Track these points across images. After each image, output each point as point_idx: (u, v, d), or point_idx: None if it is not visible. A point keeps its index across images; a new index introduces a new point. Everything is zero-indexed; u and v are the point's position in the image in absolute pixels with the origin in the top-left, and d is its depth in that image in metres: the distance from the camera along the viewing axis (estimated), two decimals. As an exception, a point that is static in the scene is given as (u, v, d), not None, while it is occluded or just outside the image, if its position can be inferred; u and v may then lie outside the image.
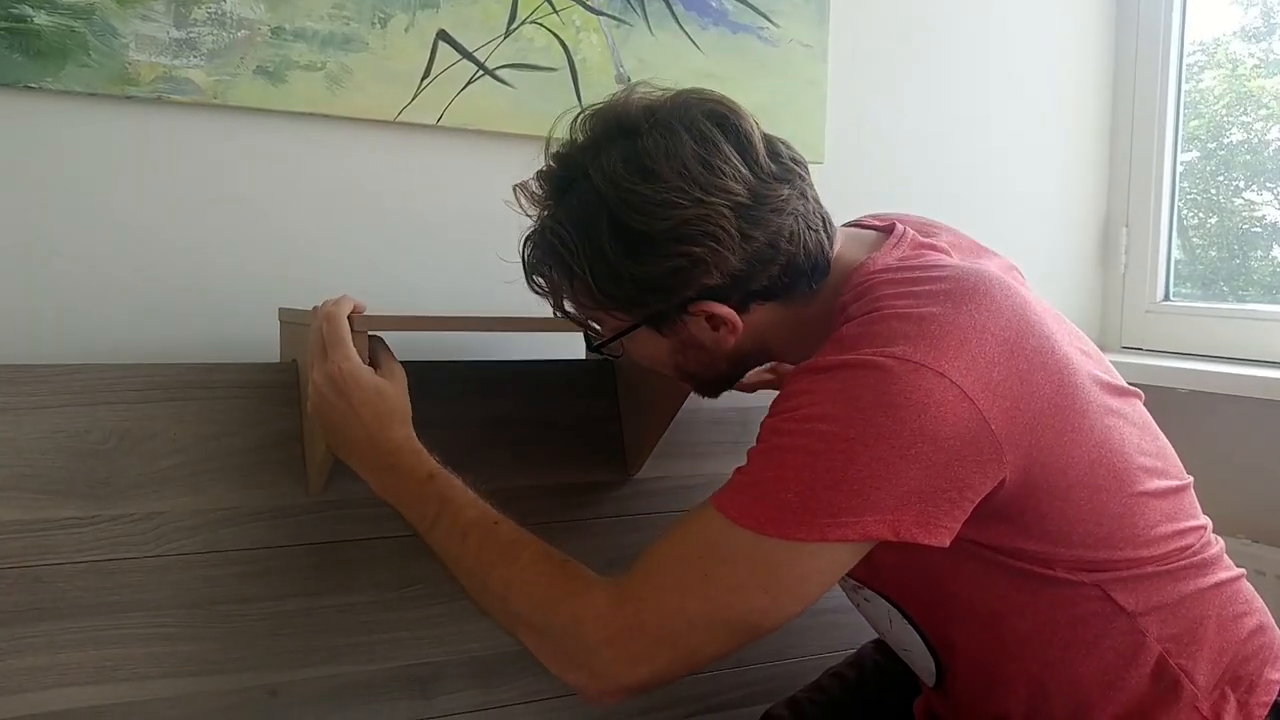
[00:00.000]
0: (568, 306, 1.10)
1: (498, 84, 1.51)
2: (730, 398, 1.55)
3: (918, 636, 1.15)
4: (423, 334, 1.37)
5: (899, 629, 1.18)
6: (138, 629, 1.21)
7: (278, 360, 1.34)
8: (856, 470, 0.93)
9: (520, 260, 1.10)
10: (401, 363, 1.32)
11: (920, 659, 1.18)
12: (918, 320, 0.97)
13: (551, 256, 1.06)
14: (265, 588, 1.26)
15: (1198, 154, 2.20)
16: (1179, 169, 2.13)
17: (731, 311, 1.05)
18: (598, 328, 1.12)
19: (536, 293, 1.10)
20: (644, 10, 1.60)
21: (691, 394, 1.29)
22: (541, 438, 1.42)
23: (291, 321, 1.31)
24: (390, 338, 1.21)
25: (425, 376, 1.35)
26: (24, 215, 1.30)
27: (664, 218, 1.00)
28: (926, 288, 1.01)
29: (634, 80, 1.19)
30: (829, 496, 0.94)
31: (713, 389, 1.18)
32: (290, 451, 1.29)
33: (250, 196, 1.41)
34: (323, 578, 1.29)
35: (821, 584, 0.98)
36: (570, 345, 1.55)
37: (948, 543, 0.96)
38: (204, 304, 1.38)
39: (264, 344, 1.37)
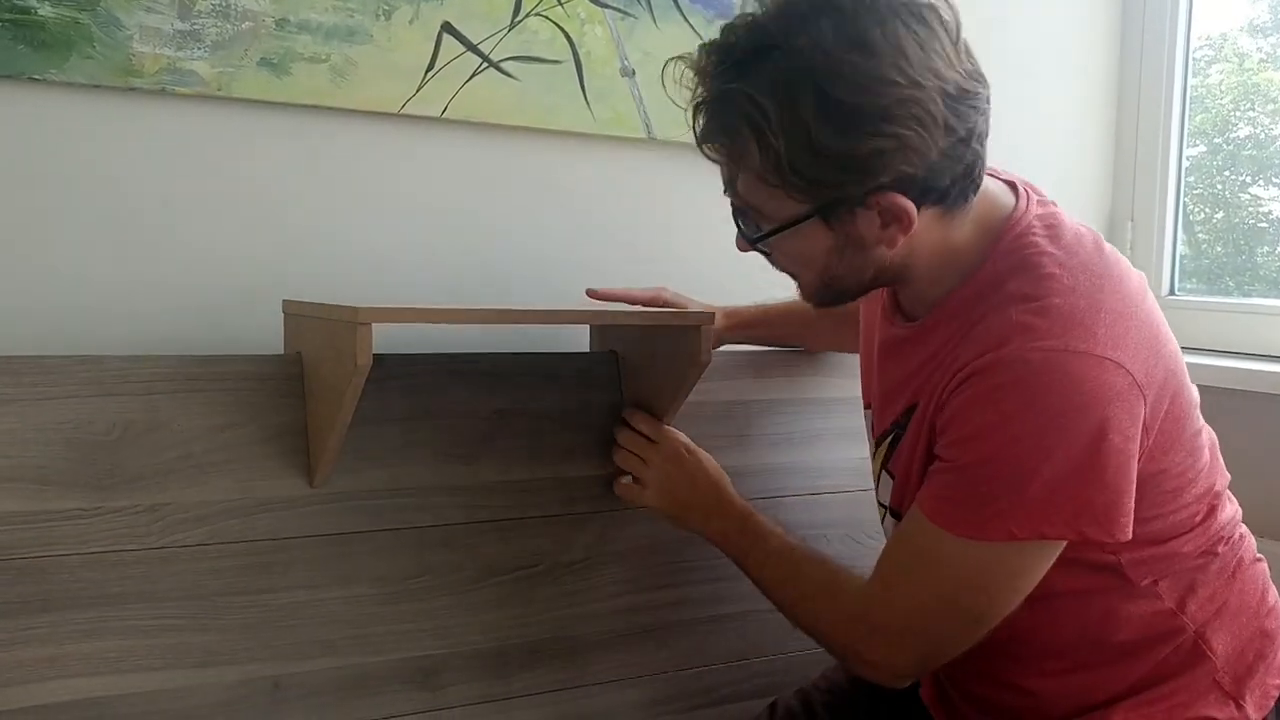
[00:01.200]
0: (741, 184, 1.06)
1: (502, 76, 1.51)
2: (734, 390, 1.55)
3: None
4: (425, 326, 1.37)
5: None
6: (141, 621, 1.21)
7: (282, 353, 1.34)
8: (1052, 470, 1.00)
9: (691, 129, 1.06)
10: (400, 355, 1.33)
11: None
12: (1087, 309, 1.03)
13: (745, 125, 1.00)
14: (269, 579, 1.26)
15: (1204, 149, 2.19)
16: (1185, 163, 2.13)
17: (912, 206, 1.02)
18: (750, 219, 1.09)
19: (711, 159, 1.07)
20: (649, 2, 1.60)
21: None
22: (544, 430, 1.42)
23: (296, 314, 1.31)
24: (392, 330, 1.21)
25: (426, 369, 1.35)
26: (27, 207, 1.29)
27: (877, 94, 0.97)
28: (1079, 259, 1.07)
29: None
30: (1034, 497, 1.01)
31: (836, 299, 1.15)
32: (294, 444, 1.29)
33: (254, 189, 1.41)
34: (326, 570, 1.29)
35: (1034, 577, 1.07)
36: (574, 339, 1.54)
37: (1129, 536, 1.05)
38: (208, 296, 1.38)
39: (268, 336, 1.36)
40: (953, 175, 1.04)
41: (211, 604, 1.24)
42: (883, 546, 1.19)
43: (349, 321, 1.15)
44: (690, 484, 1.35)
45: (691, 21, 1.63)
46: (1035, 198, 1.14)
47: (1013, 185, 1.16)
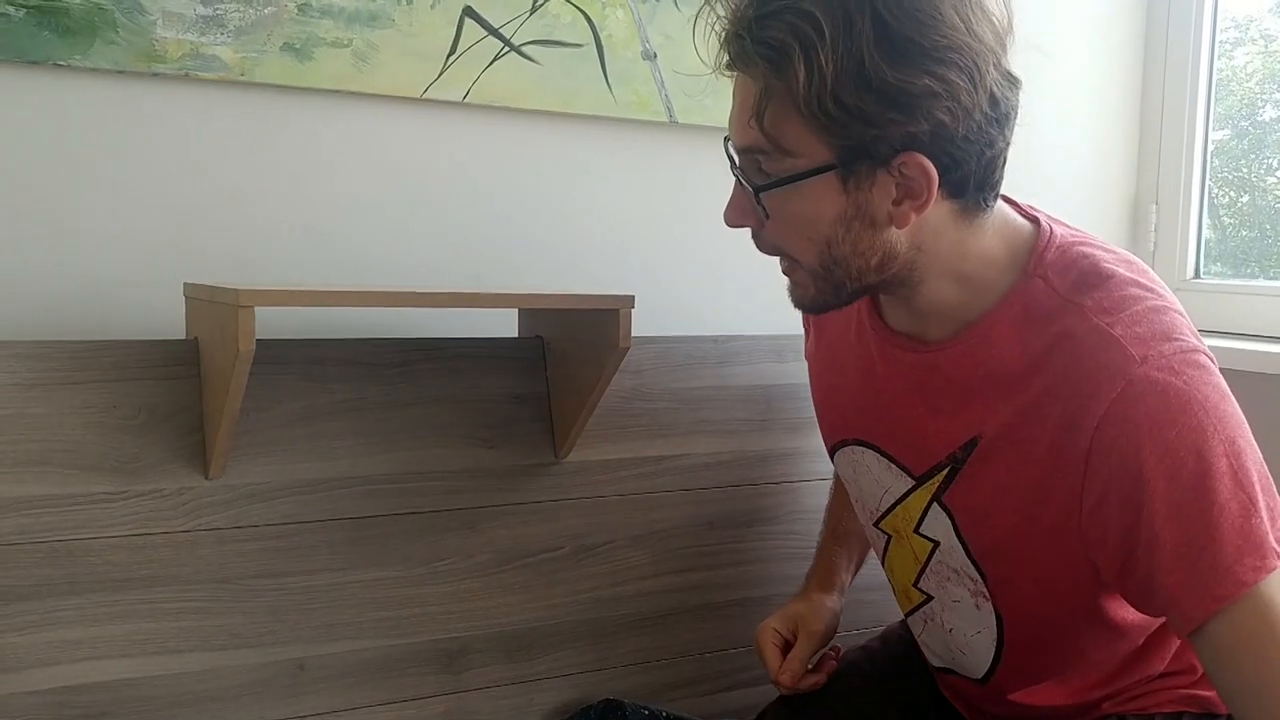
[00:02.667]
0: (769, 116, 0.96)
1: (524, 60, 1.51)
2: (755, 375, 1.55)
3: (993, 645, 1.15)
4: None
5: (972, 640, 1.17)
6: (168, 603, 1.22)
7: (308, 338, 1.34)
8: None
9: (726, 48, 0.98)
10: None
11: (975, 661, 1.18)
12: (1173, 311, 1.00)
13: (795, 44, 0.92)
14: (294, 562, 1.27)
15: (1229, 132, 2.17)
16: (1210, 147, 2.11)
17: (934, 174, 0.95)
18: (760, 168, 1.00)
19: (745, 71, 0.97)
20: (669, -14, 1.59)
21: (621, 374, 1.32)
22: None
23: (193, 296, 1.29)
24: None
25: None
26: (54, 191, 1.30)
27: (937, 33, 0.92)
28: (1126, 257, 1.04)
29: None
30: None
31: (832, 293, 1.04)
32: (318, 426, 1.30)
33: (277, 173, 1.41)
34: (351, 552, 1.30)
35: None
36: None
37: None
38: (236, 278, 1.39)
39: (293, 320, 1.37)
40: (979, 161, 0.98)
41: (237, 587, 1.25)
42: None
43: (231, 305, 1.11)
44: None
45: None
46: (1053, 218, 1.09)
47: (1027, 214, 1.10)
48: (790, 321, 1.68)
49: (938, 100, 0.93)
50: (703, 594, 1.49)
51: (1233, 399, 0.98)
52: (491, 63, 1.48)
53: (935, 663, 1.26)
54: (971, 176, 0.98)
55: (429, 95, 1.45)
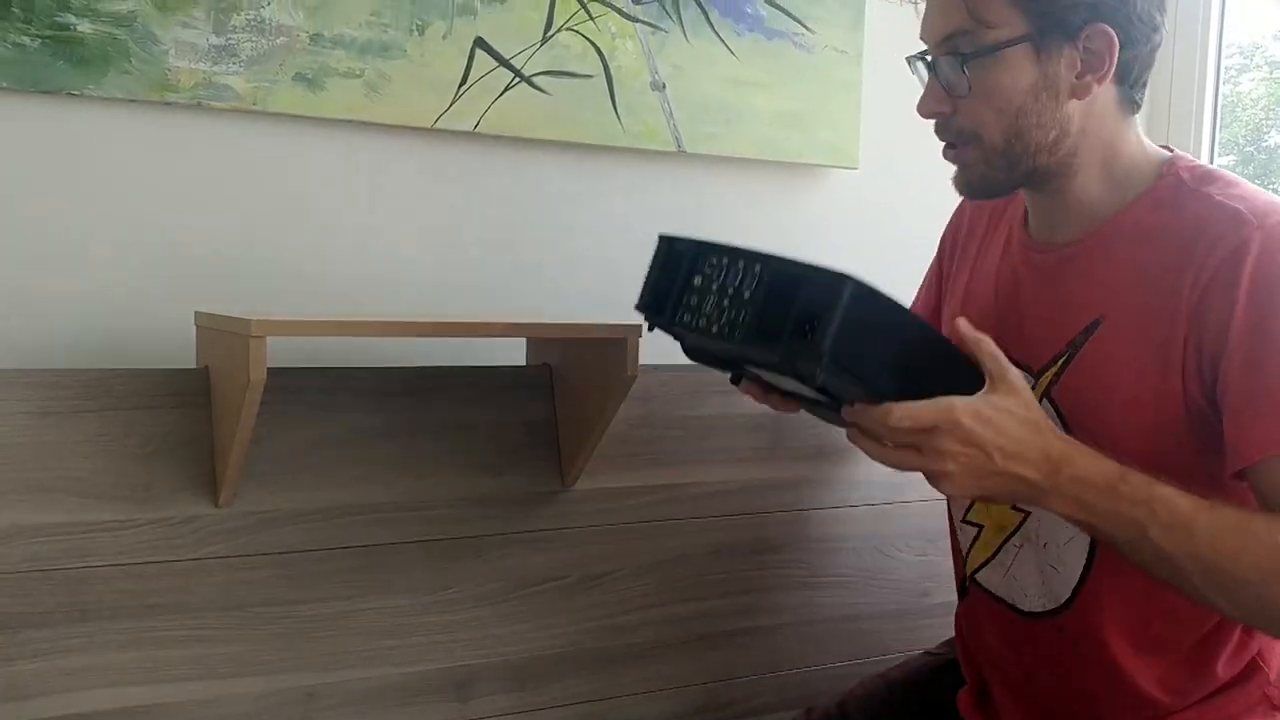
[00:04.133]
0: (968, 3, 1.10)
1: (534, 91, 1.52)
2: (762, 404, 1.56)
3: (1084, 551, 1.17)
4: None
5: (1064, 550, 1.18)
6: (177, 631, 1.22)
7: (318, 366, 1.35)
8: None
9: None
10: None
11: (1067, 574, 1.19)
12: None
13: None
14: (303, 590, 1.28)
15: (1235, 157, 2.18)
16: (1216, 173, 2.11)
17: (1116, 44, 1.10)
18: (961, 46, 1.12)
19: None
20: (679, 17, 1.60)
21: (628, 402, 1.33)
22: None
23: (205, 325, 1.30)
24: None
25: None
26: (66, 219, 1.31)
27: None
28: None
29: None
30: None
31: (1007, 171, 1.15)
32: (327, 455, 1.30)
33: (288, 202, 1.42)
34: (360, 580, 1.31)
35: None
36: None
37: None
38: (247, 307, 1.39)
39: (303, 348, 1.37)
40: (1145, 45, 1.12)
41: (246, 614, 1.25)
42: None
43: (243, 335, 1.13)
44: (1004, 462, 1.00)
45: (722, 35, 1.63)
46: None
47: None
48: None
49: None
50: (710, 623, 1.49)
51: None
52: (502, 93, 1.49)
53: (1024, 605, 1.23)
54: (1138, 60, 1.13)
55: (440, 125, 1.46)
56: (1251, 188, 1.12)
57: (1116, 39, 1.10)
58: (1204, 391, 1.08)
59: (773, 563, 1.54)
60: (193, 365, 1.29)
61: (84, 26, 1.27)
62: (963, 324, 1.06)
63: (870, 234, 1.80)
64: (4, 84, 1.25)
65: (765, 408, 1.17)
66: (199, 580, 1.23)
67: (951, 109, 1.15)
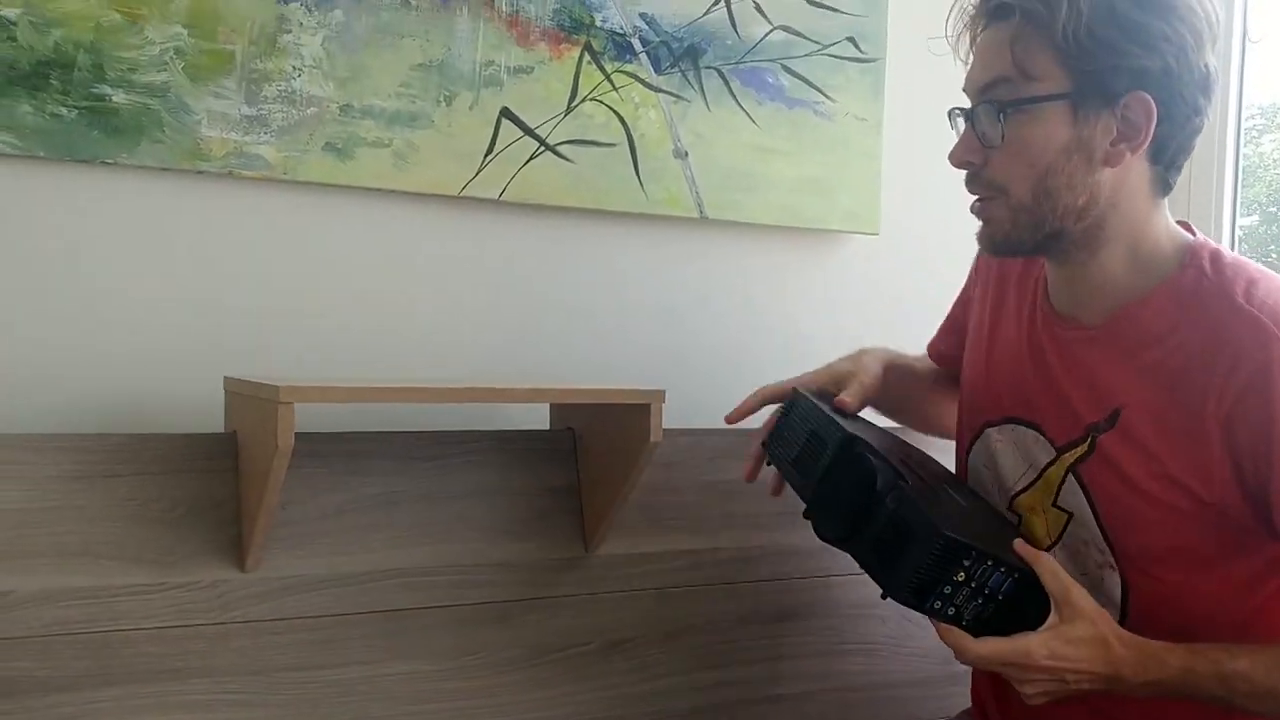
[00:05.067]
0: (1019, 48, 1.12)
1: (558, 159, 1.54)
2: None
3: (1115, 616, 1.18)
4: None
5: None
6: (202, 695, 1.22)
7: (343, 431, 1.36)
8: None
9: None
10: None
11: None
12: None
13: None
14: (327, 655, 1.27)
15: (1258, 218, 2.19)
16: (1239, 234, 2.12)
17: (1154, 117, 1.10)
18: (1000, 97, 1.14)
19: (994, 18, 1.14)
20: (701, 87, 1.63)
21: (651, 467, 1.34)
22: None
23: (234, 390, 1.31)
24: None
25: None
26: (98, 285, 1.33)
27: None
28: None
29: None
30: None
31: (1030, 230, 1.16)
32: (352, 520, 1.31)
33: (318, 269, 1.44)
34: (384, 646, 1.30)
35: None
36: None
37: None
38: (275, 372, 1.41)
39: (329, 414, 1.38)
40: (1185, 125, 1.13)
41: (271, 679, 1.25)
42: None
43: (271, 401, 1.14)
44: (1079, 682, 1.11)
45: (744, 105, 1.65)
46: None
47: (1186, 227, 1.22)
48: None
49: (1169, 45, 1.09)
50: (735, 691, 1.48)
51: None
52: (527, 161, 1.51)
53: None
54: (1174, 139, 1.13)
55: (466, 193, 1.49)
56: (1267, 284, 1.13)
57: (1155, 111, 1.10)
58: (1245, 500, 1.12)
59: (798, 630, 1.53)
60: (221, 430, 1.30)
61: (119, 97, 1.30)
62: (1020, 545, 1.13)
63: (890, 299, 1.81)
64: (41, 153, 1.27)
65: None
66: (224, 644, 1.23)
67: (983, 160, 1.16)
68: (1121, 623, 1.17)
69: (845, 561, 1.55)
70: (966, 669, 1.57)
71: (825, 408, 1.24)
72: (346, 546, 1.30)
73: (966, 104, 1.19)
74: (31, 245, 1.29)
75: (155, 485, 1.23)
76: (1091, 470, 1.19)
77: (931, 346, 1.48)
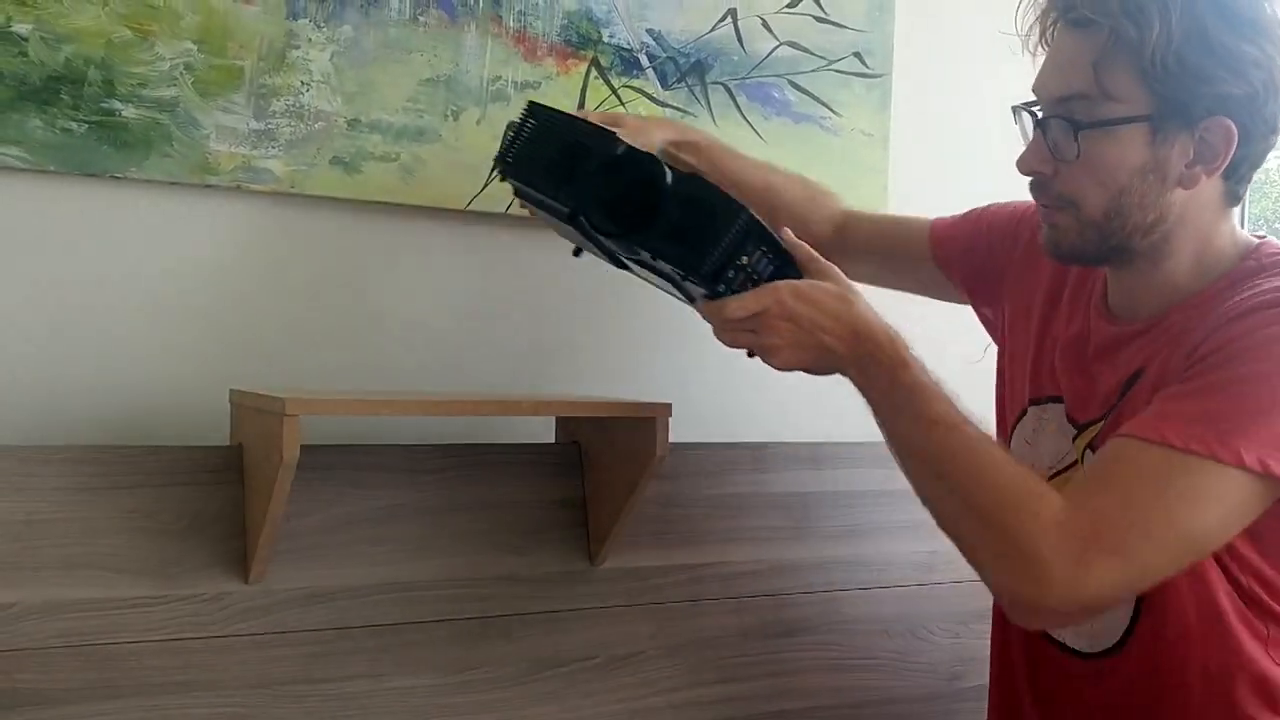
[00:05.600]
0: (1103, 67, 1.09)
1: (565, 173, 1.54)
2: (791, 482, 1.55)
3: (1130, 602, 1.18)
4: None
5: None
6: (205, 708, 1.22)
7: (349, 444, 1.36)
8: None
9: (1047, 18, 1.14)
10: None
11: (1113, 621, 1.20)
12: None
13: (1152, 2, 1.06)
14: (330, 669, 1.27)
15: (1265, 233, 2.18)
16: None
17: (1235, 141, 1.09)
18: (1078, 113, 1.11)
19: (1095, 21, 1.09)
20: (707, 101, 1.63)
21: (657, 480, 1.36)
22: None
23: (238, 403, 1.32)
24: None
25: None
26: (106, 298, 1.33)
27: (1263, 13, 1.08)
28: None
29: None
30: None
31: (1096, 243, 1.15)
32: (356, 533, 1.31)
33: (324, 281, 1.44)
34: (386, 660, 1.30)
35: (1243, 520, 1.06)
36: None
37: None
38: (280, 384, 1.41)
39: (334, 426, 1.39)
40: (1262, 144, 1.11)
41: (273, 693, 1.25)
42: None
43: (277, 414, 1.15)
44: (818, 335, 1.15)
45: (750, 119, 1.66)
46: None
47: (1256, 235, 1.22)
48: (828, 428, 1.69)
49: (1258, 69, 1.07)
50: (740, 706, 1.47)
51: None
52: (534, 176, 1.52)
53: (1078, 644, 1.25)
54: (1249, 158, 1.12)
55: (473, 207, 1.49)
56: None
57: (1236, 135, 1.09)
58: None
59: (803, 644, 1.52)
60: (226, 442, 1.30)
61: (129, 112, 1.31)
62: (788, 232, 1.18)
63: (899, 313, 1.80)
64: (51, 167, 1.28)
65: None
66: (228, 657, 1.24)
67: (1053, 170, 1.14)
68: (1136, 614, 1.18)
69: (850, 576, 1.55)
70: (971, 686, 1.57)
71: (572, 114, 1.26)
72: (351, 559, 1.30)
73: (1030, 99, 1.16)
74: (40, 258, 1.30)
75: (160, 497, 1.23)
76: (1100, 441, 1.18)
77: (939, 225, 1.47)
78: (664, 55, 1.60)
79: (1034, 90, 1.16)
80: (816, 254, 1.17)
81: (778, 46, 1.68)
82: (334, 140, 1.41)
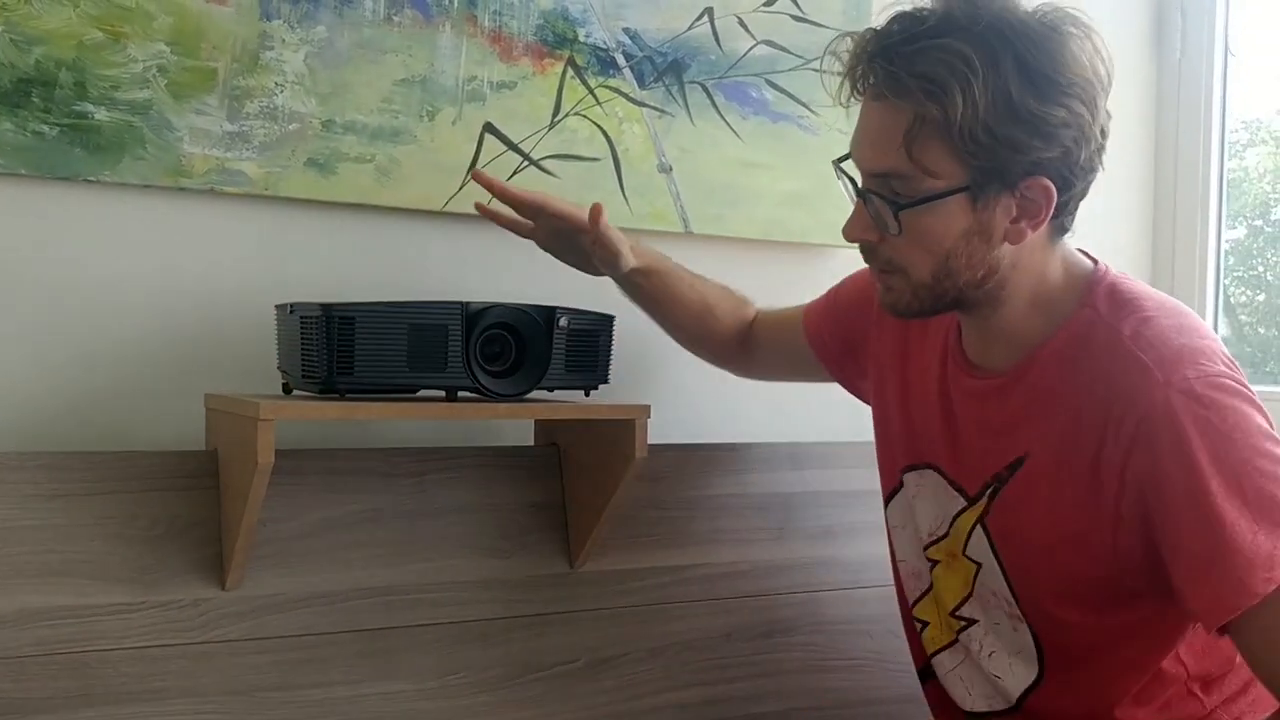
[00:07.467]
0: (917, 145, 1.07)
1: (542, 174, 1.53)
2: (772, 483, 1.55)
3: (1034, 665, 1.21)
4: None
5: (1011, 662, 1.23)
6: (183, 716, 1.21)
7: (325, 448, 1.35)
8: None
9: (870, 75, 1.10)
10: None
11: (1013, 683, 1.23)
12: (1204, 342, 1.12)
13: (952, 77, 1.04)
14: (309, 675, 1.27)
15: (1245, 231, 2.19)
16: (1225, 246, 2.12)
17: (1055, 197, 1.08)
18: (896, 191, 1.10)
19: (895, 98, 1.07)
20: (685, 101, 1.63)
21: (636, 482, 1.35)
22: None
23: (214, 408, 1.32)
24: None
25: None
26: (80, 303, 1.32)
27: (1068, 70, 1.06)
28: (1167, 301, 1.17)
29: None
30: None
31: (932, 301, 1.15)
32: (334, 537, 1.30)
33: (300, 284, 1.43)
34: (365, 665, 1.30)
35: None
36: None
37: None
38: (257, 389, 1.40)
39: (310, 430, 1.38)
40: (1081, 188, 1.11)
41: (252, 699, 1.24)
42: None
43: (252, 418, 1.15)
44: None
45: (727, 119, 1.65)
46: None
47: (1087, 255, 1.22)
48: (807, 429, 1.69)
49: (1068, 130, 1.07)
50: (721, 708, 1.47)
51: (1256, 417, 1.08)
52: (511, 176, 1.51)
53: (965, 704, 1.28)
54: (1073, 198, 1.12)
55: (450, 208, 1.48)
56: (1160, 321, 1.12)
57: (1055, 190, 1.08)
58: (1144, 545, 1.11)
59: (784, 645, 1.52)
60: (202, 448, 1.30)
61: (101, 114, 1.29)
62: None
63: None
64: (22, 171, 1.27)
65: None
66: (205, 664, 1.23)
67: (879, 239, 1.13)
68: (1040, 676, 1.21)
69: (831, 577, 1.55)
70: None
71: None
72: (328, 564, 1.30)
73: (847, 153, 1.15)
74: (12, 263, 1.29)
75: (135, 503, 1.23)
76: (996, 520, 1.20)
77: (810, 310, 1.47)
78: (641, 54, 1.59)
79: (851, 158, 1.14)
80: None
81: (755, 45, 1.68)
82: (309, 142, 1.40)
